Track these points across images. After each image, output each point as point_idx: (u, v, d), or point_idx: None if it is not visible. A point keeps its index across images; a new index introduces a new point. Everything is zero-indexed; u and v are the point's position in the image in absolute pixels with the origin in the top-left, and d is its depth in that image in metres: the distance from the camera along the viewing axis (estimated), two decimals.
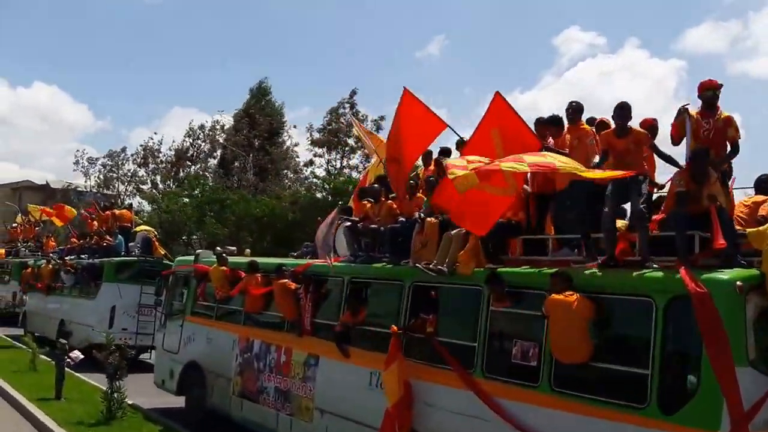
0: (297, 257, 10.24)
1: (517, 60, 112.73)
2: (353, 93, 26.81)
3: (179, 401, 11.42)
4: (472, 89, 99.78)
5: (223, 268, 10.43)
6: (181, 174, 38.98)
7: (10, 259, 26.54)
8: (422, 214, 7.45)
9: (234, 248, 12.34)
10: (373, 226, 8.13)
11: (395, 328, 6.81)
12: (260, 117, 32.69)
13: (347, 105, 26.97)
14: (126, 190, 39.47)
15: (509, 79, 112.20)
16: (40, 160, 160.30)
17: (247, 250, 12.91)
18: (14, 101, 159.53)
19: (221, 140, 33.66)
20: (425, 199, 7.68)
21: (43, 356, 14.31)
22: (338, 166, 26.57)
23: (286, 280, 8.63)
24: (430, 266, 6.75)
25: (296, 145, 34.51)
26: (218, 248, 12.49)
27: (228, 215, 25.22)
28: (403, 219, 7.90)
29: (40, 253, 25.81)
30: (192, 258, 12.02)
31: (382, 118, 26.14)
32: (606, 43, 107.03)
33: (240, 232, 25.41)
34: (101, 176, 40.21)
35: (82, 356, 11.84)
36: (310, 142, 26.48)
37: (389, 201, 8.37)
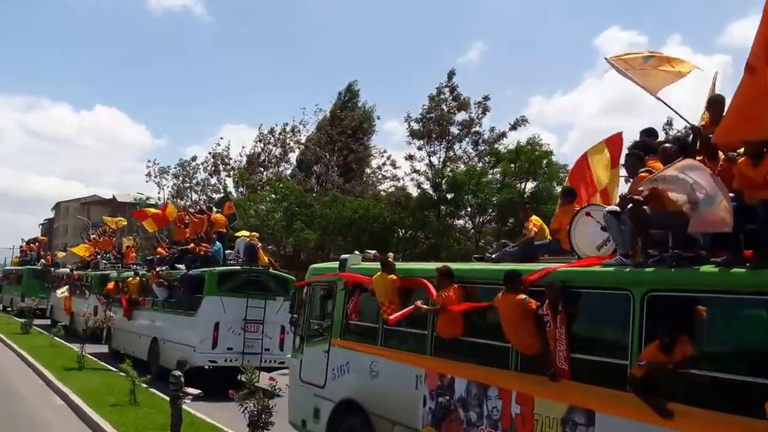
0: (495, 260, 7.45)
1: (557, 62, 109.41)
2: (451, 75, 23.80)
3: None
4: (513, 92, 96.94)
5: (392, 276, 7.78)
6: (253, 181, 37.22)
7: (89, 272, 24.92)
8: None
9: (375, 252, 9.71)
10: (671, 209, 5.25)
11: None
12: (344, 115, 30.39)
13: (446, 90, 23.96)
14: (199, 199, 37.88)
15: (550, 82, 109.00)
16: (103, 177, 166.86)
17: (390, 254, 10.24)
18: (78, 124, 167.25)
19: (302, 141, 31.59)
20: None
21: (142, 383, 12.02)
22: (442, 157, 23.60)
23: (524, 296, 5.87)
24: None
25: (373, 146, 32.11)
26: (357, 252, 9.84)
27: (318, 219, 22.81)
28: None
29: (120, 265, 24.11)
30: (334, 265, 9.44)
31: (486, 98, 23.11)
32: (647, 42, 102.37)
33: (334, 236, 22.90)
34: (174, 187, 38.72)
35: (200, 392, 9.41)
36: (408, 133, 23.72)
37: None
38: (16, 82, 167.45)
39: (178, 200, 38.16)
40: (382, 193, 25.55)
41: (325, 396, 8.76)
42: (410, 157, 23.38)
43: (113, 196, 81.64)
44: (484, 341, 6.64)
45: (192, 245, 16.23)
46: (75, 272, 25.76)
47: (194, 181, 38.04)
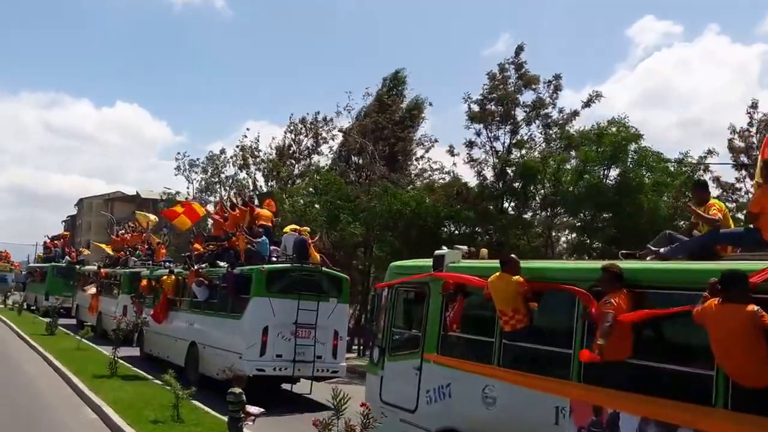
0: (664, 256, 5.75)
1: (588, 54, 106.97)
2: (519, 50, 21.34)
3: None
4: (542, 85, 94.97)
5: (517, 278, 6.17)
6: (286, 172, 35.72)
7: (118, 269, 23.62)
8: None
9: (465, 248, 8.12)
10: None
11: None
12: (391, 101, 28.62)
13: (511, 66, 21.68)
14: (228, 194, 36.48)
15: (581, 73, 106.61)
16: (124, 174, 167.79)
17: (484, 250, 8.67)
18: (99, 120, 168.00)
19: (342, 128, 29.91)
20: None
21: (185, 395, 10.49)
22: (507, 142, 21.26)
23: (756, 307, 4.23)
24: None
25: (423, 135, 29.71)
26: (445, 247, 8.18)
27: (363, 213, 21.09)
28: None
29: (151, 263, 22.79)
30: (424, 262, 7.84)
31: (557, 76, 20.80)
32: (682, 32, 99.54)
33: (379, 231, 21.12)
34: (203, 182, 37.16)
35: (263, 411, 7.90)
36: (467, 117, 21.51)
37: None
38: (36, 77, 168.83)
39: (206, 195, 36.77)
40: (435, 185, 23.34)
41: (418, 423, 7.21)
42: (470, 144, 21.26)
43: (137, 192, 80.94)
44: (669, 366, 5.00)
45: (233, 239, 14.74)
46: (103, 270, 24.48)
47: (223, 176, 36.61)
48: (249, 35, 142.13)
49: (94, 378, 13.62)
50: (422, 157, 29.70)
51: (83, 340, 18.50)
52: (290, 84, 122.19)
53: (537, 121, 20.83)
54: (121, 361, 15.02)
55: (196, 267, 15.13)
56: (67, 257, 33.27)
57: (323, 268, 13.49)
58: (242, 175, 36.68)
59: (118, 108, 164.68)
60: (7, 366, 15.94)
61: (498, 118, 20.95)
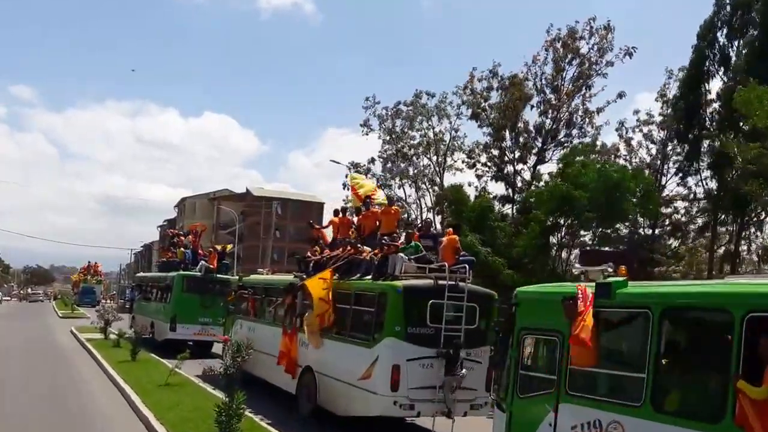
0: None
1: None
2: None
3: None
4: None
5: None
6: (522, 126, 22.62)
7: (341, 280, 10.94)
8: None
9: None
10: None
11: None
12: None
13: None
14: (449, 162, 23.51)
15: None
16: (209, 184, 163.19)
17: None
18: (186, 131, 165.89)
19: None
20: None
21: None
22: None
23: None
24: None
25: None
26: None
27: None
28: None
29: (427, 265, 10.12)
30: None
31: None
32: None
33: None
34: (400, 144, 23.87)
35: None
36: None
37: None
38: (122, 86, 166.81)
39: (397, 165, 23.91)
40: None
41: None
42: None
43: (246, 189, 70.62)
44: None
45: None
46: (320, 280, 11.65)
47: (438, 128, 23.47)
48: (337, 39, 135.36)
49: None
50: None
51: None
52: (370, 90, 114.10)
53: None
54: None
55: None
56: (203, 262, 21.28)
57: None
58: (462, 132, 23.64)
59: (206, 118, 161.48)
60: None
61: None
